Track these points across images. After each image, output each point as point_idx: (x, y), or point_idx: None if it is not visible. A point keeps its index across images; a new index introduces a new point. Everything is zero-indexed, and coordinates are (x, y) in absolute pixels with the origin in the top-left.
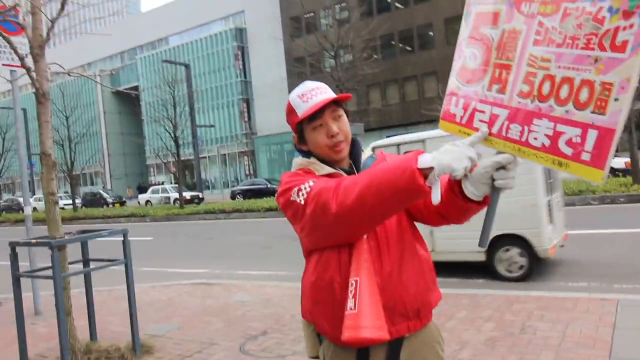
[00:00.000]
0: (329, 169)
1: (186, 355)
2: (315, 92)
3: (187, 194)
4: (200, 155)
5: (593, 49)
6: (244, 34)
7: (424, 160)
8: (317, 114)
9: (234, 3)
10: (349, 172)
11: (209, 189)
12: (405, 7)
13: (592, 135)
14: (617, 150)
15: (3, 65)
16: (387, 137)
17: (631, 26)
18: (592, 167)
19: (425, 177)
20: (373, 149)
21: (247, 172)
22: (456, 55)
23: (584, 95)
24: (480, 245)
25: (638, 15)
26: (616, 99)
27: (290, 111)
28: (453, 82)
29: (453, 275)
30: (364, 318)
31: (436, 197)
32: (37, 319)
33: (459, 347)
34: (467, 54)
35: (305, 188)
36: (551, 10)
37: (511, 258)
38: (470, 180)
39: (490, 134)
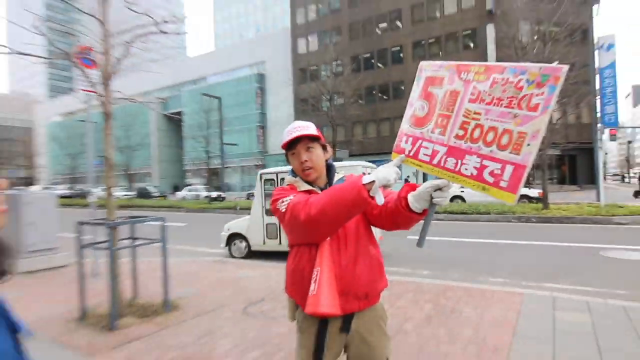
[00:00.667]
0: (307, 187)
1: (202, 312)
2: (297, 129)
3: (214, 194)
4: (225, 166)
5: (513, 107)
6: (264, 79)
7: (366, 179)
8: (292, 145)
9: (258, 55)
10: (323, 189)
11: (230, 190)
12: (384, 67)
13: (509, 169)
14: (531, 184)
15: (82, 90)
16: (368, 161)
17: (542, 94)
18: (508, 192)
19: (369, 190)
20: (260, 175)
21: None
22: (408, 106)
23: (504, 140)
24: (418, 245)
25: (548, 86)
26: (528, 144)
27: (282, 141)
28: (404, 126)
29: (403, 267)
30: (322, 298)
31: (380, 201)
32: (95, 279)
33: (405, 320)
34: (416, 106)
35: (285, 200)
36: (483, 78)
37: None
38: (415, 197)
39: (431, 164)
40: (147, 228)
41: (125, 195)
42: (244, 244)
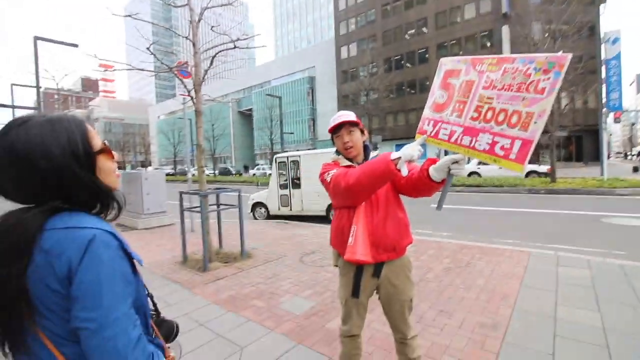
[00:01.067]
0: (347, 162)
1: (269, 260)
2: (341, 117)
3: None
4: (284, 150)
5: (522, 91)
6: (314, 80)
7: (394, 155)
8: (337, 129)
9: (309, 61)
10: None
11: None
12: (412, 66)
13: (517, 143)
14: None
15: (180, 94)
16: (397, 145)
17: (548, 79)
18: (516, 163)
19: (396, 164)
20: (275, 159)
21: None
22: (430, 95)
23: (514, 119)
24: (437, 208)
25: (553, 72)
26: (535, 122)
27: (329, 126)
28: (426, 111)
29: (427, 229)
30: (357, 248)
31: (404, 172)
32: (192, 234)
33: (427, 271)
34: (437, 95)
35: (331, 173)
36: (496, 69)
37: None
38: (435, 169)
39: (449, 142)
40: (228, 198)
41: (212, 173)
42: (263, 209)
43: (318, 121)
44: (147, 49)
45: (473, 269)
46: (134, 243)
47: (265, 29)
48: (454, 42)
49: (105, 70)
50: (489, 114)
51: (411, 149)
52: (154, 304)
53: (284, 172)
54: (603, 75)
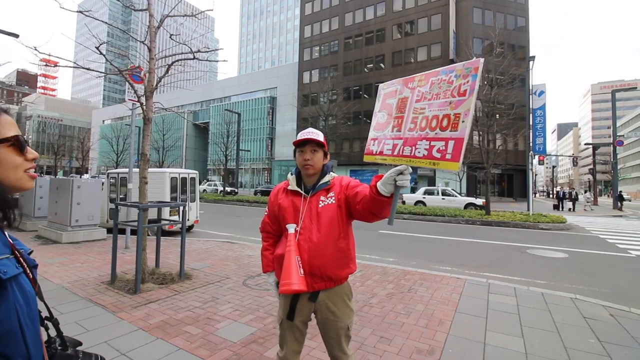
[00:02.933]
0: (294, 187)
1: (210, 282)
2: (310, 134)
3: (228, 189)
4: (239, 167)
5: (448, 97)
6: (275, 101)
7: (378, 185)
8: (301, 144)
9: (271, 82)
10: (307, 190)
11: (241, 187)
12: (369, 97)
13: (451, 144)
14: (477, 195)
15: (129, 99)
16: (351, 171)
17: (467, 82)
18: (452, 162)
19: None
20: (107, 173)
21: (266, 180)
22: (373, 118)
23: (445, 122)
24: (389, 223)
25: (471, 76)
26: (463, 121)
27: (296, 139)
28: (371, 132)
29: (375, 255)
30: (293, 278)
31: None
32: (126, 251)
33: (371, 296)
34: (379, 116)
35: (265, 212)
36: (424, 83)
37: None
38: (382, 182)
39: (393, 155)
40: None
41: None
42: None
43: (276, 141)
44: (97, 48)
45: (414, 295)
46: (54, 259)
47: (231, 45)
48: None
49: (47, 66)
50: (424, 122)
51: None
52: (59, 333)
53: (114, 187)
54: (531, 122)
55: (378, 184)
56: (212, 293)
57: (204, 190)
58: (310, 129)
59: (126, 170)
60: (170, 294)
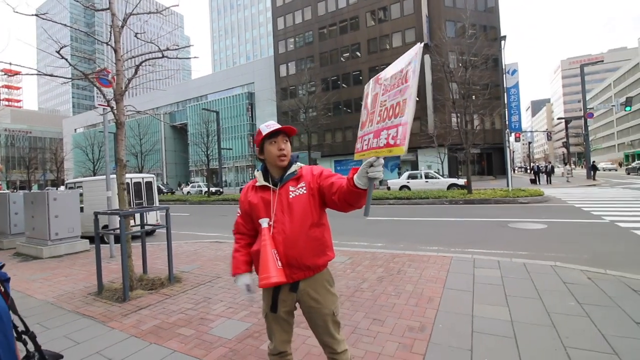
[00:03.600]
0: (262, 182)
1: (201, 283)
2: (274, 125)
3: (213, 189)
4: (222, 166)
5: (400, 85)
6: (253, 96)
7: (354, 178)
8: (273, 135)
9: (248, 78)
10: (275, 183)
11: (226, 186)
12: (347, 87)
13: (400, 130)
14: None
15: (98, 105)
16: (335, 161)
17: (410, 67)
18: (399, 146)
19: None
20: (66, 184)
21: (250, 177)
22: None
23: (397, 110)
24: (364, 214)
25: (413, 61)
26: (408, 105)
27: (258, 133)
28: (359, 132)
29: (364, 241)
30: (271, 271)
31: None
32: (111, 260)
33: (362, 281)
34: (362, 115)
35: (238, 212)
36: (389, 77)
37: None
38: (357, 175)
39: (368, 149)
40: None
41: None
42: None
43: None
44: (57, 52)
45: (403, 276)
46: (36, 275)
47: (203, 42)
48: (383, 66)
49: (9, 76)
50: (384, 113)
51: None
52: (37, 347)
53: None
54: (505, 101)
55: (355, 177)
56: (204, 293)
57: (188, 192)
58: (274, 122)
59: (84, 179)
60: (161, 299)
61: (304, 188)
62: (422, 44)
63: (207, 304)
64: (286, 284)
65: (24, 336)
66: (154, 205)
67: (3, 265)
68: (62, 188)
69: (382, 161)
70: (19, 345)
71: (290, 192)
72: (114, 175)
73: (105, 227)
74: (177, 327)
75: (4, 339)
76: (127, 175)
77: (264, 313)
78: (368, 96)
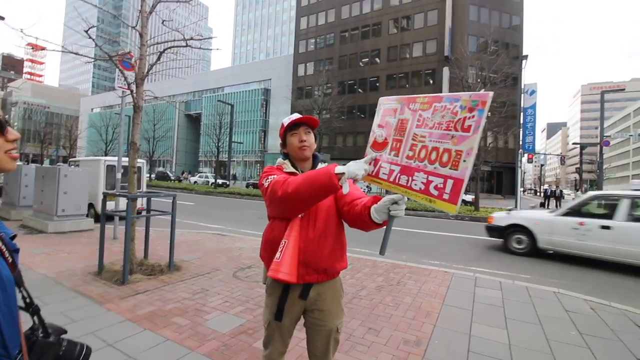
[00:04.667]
0: (291, 169)
1: (200, 274)
2: (296, 116)
3: (220, 181)
4: (231, 159)
5: (451, 130)
6: (269, 93)
7: (338, 169)
8: (294, 127)
9: (266, 74)
10: None
11: (234, 179)
12: (363, 92)
13: (449, 183)
14: (467, 191)
15: (118, 87)
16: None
17: (473, 116)
18: (449, 203)
19: (339, 179)
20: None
21: (258, 173)
22: (371, 134)
23: (445, 157)
24: (380, 253)
25: (477, 110)
26: (464, 160)
27: (281, 127)
28: (368, 150)
29: (365, 248)
30: (283, 266)
31: (345, 190)
32: (114, 241)
33: (361, 289)
34: (377, 134)
35: (270, 178)
36: (427, 107)
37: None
38: (376, 209)
39: (389, 181)
40: (162, 204)
41: (147, 176)
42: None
43: (269, 134)
44: (86, 32)
45: (403, 288)
46: (39, 249)
47: (225, 35)
48: (402, 75)
49: (34, 50)
50: (423, 153)
51: (357, 167)
52: (40, 320)
53: None
54: (521, 120)
55: (372, 208)
56: (202, 284)
57: (195, 182)
58: (297, 114)
59: (81, 158)
60: (159, 285)
61: None
62: (492, 93)
63: (204, 296)
64: (296, 289)
65: (31, 308)
66: (141, 190)
67: (15, 236)
68: (62, 164)
69: (406, 199)
70: (27, 317)
71: None
72: (99, 158)
73: (90, 205)
74: (173, 316)
75: (7, 311)
76: (113, 159)
77: (266, 322)
78: (388, 114)
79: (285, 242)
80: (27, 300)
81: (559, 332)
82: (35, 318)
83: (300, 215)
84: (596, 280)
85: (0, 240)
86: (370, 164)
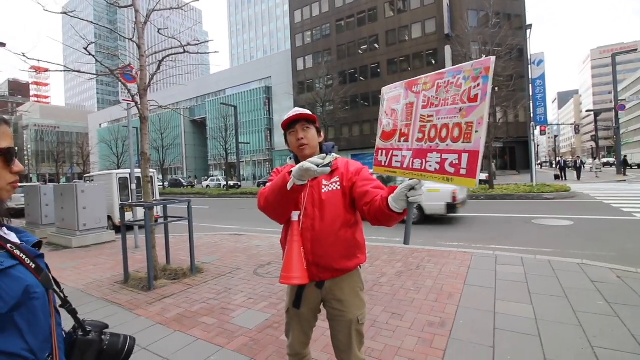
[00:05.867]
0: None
1: (222, 274)
2: (295, 111)
3: (231, 182)
4: (240, 160)
5: (457, 103)
6: (270, 90)
7: (294, 169)
8: (291, 125)
9: (265, 72)
10: None
11: (244, 180)
12: (365, 80)
13: (465, 157)
14: (481, 170)
15: (123, 100)
16: (352, 155)
17: (478, 85)
18: (468, 178)
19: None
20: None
21: (268, 172)
22: (378, 125)
23: (456, 132)
24: (405, 243)
25: (481, 77)
26: (476, 131)
27: (282, 121)
28: (378, 142)
29: (382, 236)
30: (293, 271)
31: (289, 186)
32: (136, 250)
33: (380, 276)
34: (384, 123)
35: (267, 185)
36: (430, 86)
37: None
38: (394, 198)
39: (402, 168)
40: (178, 210)
41: (160, 185)
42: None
43: (275, 131)
44: (85, 49)
45: (423, 271)
46: (66, 264)
47: (221, 37)
48: (402, 58)
49: (38, 73)
50: (432, 132)
51: (301, 165)
52: (76, 320)
53: None
54: (530, 92)
55: (390, 198)
56: (225, 284)
57: (207, 186)
58: (297, 108)
59: (94, 173)
60: (184, 288)
61: (338, 184)
62: (494, 58)
63: (228, 295)
64: (310, 284)
65: (72, 308)
66: (155, 199)
67: (40, 243)
68: (79, 181)
69: (424, 184)
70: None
71: (323, 187)
72: (111, 171)
73: (108, 217)
74: (200, 316)
75: (31, 317)
76: (124, 171)
77: (286, 308)
78: (393, 102)
79: (288, 246)
80: (62, 300)
81: (586, 303)
82: (77, 317)
83: (296, 218)
84: (621, 248)
85: (19, 250)
86: (324, 159)
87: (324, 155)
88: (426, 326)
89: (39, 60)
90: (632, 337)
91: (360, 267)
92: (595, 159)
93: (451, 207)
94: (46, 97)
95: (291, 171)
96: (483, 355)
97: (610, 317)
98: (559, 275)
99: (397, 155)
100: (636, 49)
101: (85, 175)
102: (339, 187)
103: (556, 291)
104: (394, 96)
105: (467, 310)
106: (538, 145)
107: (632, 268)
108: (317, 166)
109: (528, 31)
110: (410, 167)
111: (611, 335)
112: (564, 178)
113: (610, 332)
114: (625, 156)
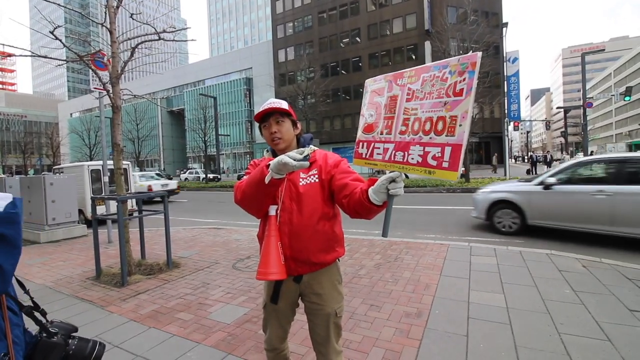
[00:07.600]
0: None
1: (199, 269)
2: (269, 104)
3: (210, 175)
4: (220, 153)
5: (442, 97)
6: (251, 82)
7: (271, 162)
8: (264, 118)
9: (246, 63)
10: None
11: (224, 173)
12: (347, 73)
13: (447, 150)
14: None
15: (94, 88)
16: (334, 149)
17: (464, 79)
18: (450, 171)
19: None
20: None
21: (246, 165)
22: (360, 118)
23: (440, 126)
24: (383, 235)
25: (467, 72)
26: (460, 125)
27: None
28: (359, 134)
29: (361, 229)
30: (270, 266)
31: (266, 180)
32: (109, 245)
33: (360, 268)
34: (366, 115)
35: (244, 178)
36: (415, 80)
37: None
38: (374, 190)
39: (384, 160)
40: (155, 204)
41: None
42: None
43: (255, 124)
44: (51, 32)
45: (401, 263)
46: (34, 259)
47: (200, 25)
48: (384, 52)
49: (2, 58)
50: (416, 125)
51: (277, 160)
52: (38, 322)
53: None
54: (505, 89)
55: (370, 190)
56: (202, 279)
57: (185, 179)
58: (271, 100)
59: (64, 165)
60: (160, 284)
61: (316, 177)
62: (480, 53)
63: (206, 289)
64: (288, 279)
65: (35, 312)
66: (130, 192)
67: None
68: (48, 173)
69: (404, 176)
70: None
71: (301, 180)
72: (82, 163)
73: (80, 211)
74: (176, 312)
75: None
76: (97, 163)
77: (263, 303)
78: (376, 94)
79: (265, 241)
80: (19, 302)
81: (554, 291)
82: (37, 319)
83: (274, 213)
84: (587, 239)
85: None
86: (302, 153)
87: (302, 149)
88: (403, 317)
89: (3, 45)
90: (596, 324)
91: (339, 260)
92: (568, 154)
93: None
94: (12, 84)
95: (269, 164)
96: (457, 343)
97: (576, 305)
98: (529, 265)
99: (378, 148)
100: (604, 49)
101: (54, 167)
102: (317, 180)
103: (526, 281)
104: (377, 89)
105: (443, 301)
106: (511, 141)
107: (597, 258)
108: (295, 160)
109: (504, 29)
110: (392, 159)
111: (577, 322)
112: (534, 172)
113: (576, 319)
114: (592, 151)
